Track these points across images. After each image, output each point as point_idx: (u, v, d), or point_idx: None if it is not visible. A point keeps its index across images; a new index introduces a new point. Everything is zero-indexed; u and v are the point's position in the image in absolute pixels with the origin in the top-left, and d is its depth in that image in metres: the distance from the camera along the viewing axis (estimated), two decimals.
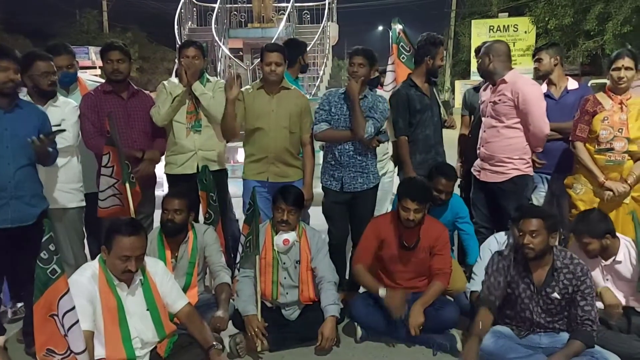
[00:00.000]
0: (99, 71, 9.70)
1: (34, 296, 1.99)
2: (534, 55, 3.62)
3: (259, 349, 2.74)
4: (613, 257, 2.70)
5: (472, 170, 3.44)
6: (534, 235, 2.43)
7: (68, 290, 2.01)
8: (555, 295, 2.47)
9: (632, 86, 3.15)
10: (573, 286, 2.46)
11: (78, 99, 3.20)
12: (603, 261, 2.73)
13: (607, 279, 2.76)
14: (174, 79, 3.34)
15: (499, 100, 3.16)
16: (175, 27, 10.31)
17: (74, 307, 2.02)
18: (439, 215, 3.20)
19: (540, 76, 3.53)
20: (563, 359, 2.37)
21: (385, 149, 3.72)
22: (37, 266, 1.96)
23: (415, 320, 2.73)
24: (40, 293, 1.97)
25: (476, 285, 2.88)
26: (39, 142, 2.53)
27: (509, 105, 3.13)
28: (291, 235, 2.89)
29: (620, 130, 2.97)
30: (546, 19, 15.53)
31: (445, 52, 3.67)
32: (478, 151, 3.33)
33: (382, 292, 2.84)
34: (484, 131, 3.27)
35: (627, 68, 2.98)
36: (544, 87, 3.46)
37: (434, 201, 3.13)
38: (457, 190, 3.69)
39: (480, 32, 16.72)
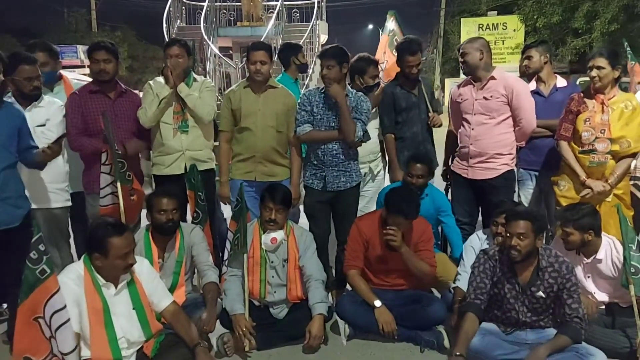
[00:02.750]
0: (87, 70, 9.59)
1: (19, 298, 1.97)
2: (523, 53, 3.63)
3: (246, 348, 2.73)
4: (594, 256, 2.72)
5: (454, 168, 3.44)
6: (521, 237, 2.43)
7: (59, 289, 1.99)
8: (541, 294, 2.49)
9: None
10: (558, 284, 2.48)
11: (62, 98, 3.18)
12: (585, 259, 2.75)
13: (588, 277, 2.78)
14: (160, 79, 3.32)
15: (490, 96, 3.18)
16: (164, 25, 10.22)
17: (64, 307, 2.00)
18: (422, 207, 3.17)
19: (530, 74, 3.55)
20: (547, 350, 2.37)
21: (377, 150, 3.72)
22: (26, 266, 1.95)
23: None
24: (26, 295, 1.96)
25: (460, 283, 2.92)
26: (49, 150, 2.55)
27: (502, 102, 3.17)
28: (279, 234, 2.89)
29: (602, 132, 2.99)
30: (535, 17, 15.63)
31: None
32: (465, 149, 3.31)
33: (377, 303, 2.85)
34: (472, 129, 3.26)
35: (598, 67, 3.00)
36: (532, 85, 3.49)
37: (420, 189, 3.18)
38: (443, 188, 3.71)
39: (469, 31, 16.78)
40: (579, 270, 2.76)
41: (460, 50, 3.31)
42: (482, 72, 3.23)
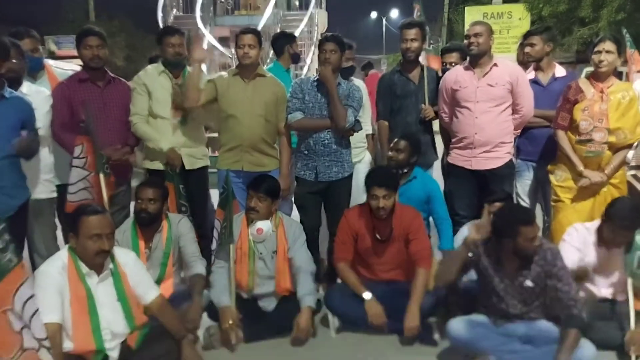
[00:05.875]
0: None
1: None
2: (525, 39, 3.52)
3: (233, 340, 2.71)
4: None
5: (452, 161, 3.34)
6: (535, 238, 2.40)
7: (27, 278, 1.95)
8: (529, 283, 2.45)
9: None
10: (545, 271, 2.44)
11: (46, 87, 3.13)
12: (606, 252, 2.67)
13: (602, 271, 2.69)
14: (150, 69, 3.25)
15: (495, 83, 3.13)
16: (159, 14, 10.17)
17: (33, 295, 1.96)
18: (410, 190, 3.16)
19: (530, 62, 3.46)
20: (567, 354, 2.29)
21: (362, 138, 3.67)
22: None
23: (411, 323, 2.68)
24: None
25: None
26: (24, 142, 2.60)
27: (506, 89, 3.12)
28: (265, 224, 2.85)
29: (600, 121, 2.94)
30: (540, 5, 15.42)
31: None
32: (468, 139, 3.21)
33: (367, 295, 2.82)
34: (476, 117, 3.16)
35: (607, 52, 2.92)
36: (531, 74, 3.43)
37: (399, 166, 3.13)
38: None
39: (474, 19, 16.53)
40: (593, 265, 2.68)
41: (470, 31, 3.16)
42: (486, 58, 3.17)
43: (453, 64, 3.65)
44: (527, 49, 3.43)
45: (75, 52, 3.08)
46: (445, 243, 3.18)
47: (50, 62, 3.40)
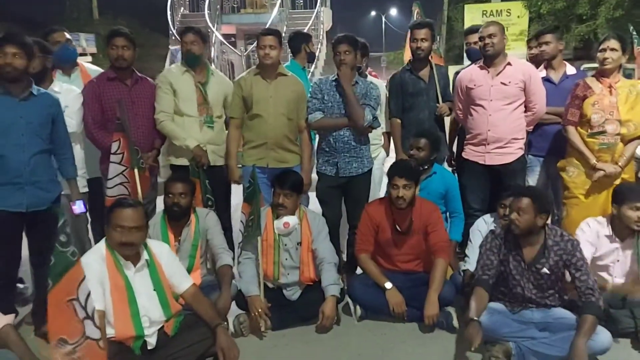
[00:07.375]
0: (89, 58, 9.61)
1: (51, 281, 2.02)
2: (537, 38, 3.61)
3: (262, 328, 2.82)
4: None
5: (467, 156, 3.43)
6: (520, 212, 2.50)
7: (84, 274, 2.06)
8: (545, 270, 2.55)
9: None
10: (564, 261, 2.54)
11: (79, 85, 3.23)
12: (620, 243, 2.76)
13: (617, 261, 2.79)
14: (173, 68, 3.35)
15: (509, 82, 3.21)
16: (168, 12, 10.23)
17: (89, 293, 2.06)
18: (430, 186, 3.28)
19: (545, 59, 3.55)
20: (584, 339, 2.37)
21: (378, 135, 3.76)
22: (57, 250, 2.00)
23: (431, 311, 2.79)
24: (58, 278, 2.00)
25: (469, 265, 2.99)
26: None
27: (520, 87, 3.21)
28: (291, 219, 2.95)
29: (611, 113, 3.04)
30: (539, 3, 15.48)
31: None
32: (481, 135, 3.30)
33: (388, 285, 2.92)
34: (490, 115, 3.25)
35: (612, 49, 3.03)
36: (543, 72, 3.51)
37: (420, 163, 3.23)
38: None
39: (473, 17, 16.50)
40: (608, 256, 2.77)
41: (484, 32, 3.23)
42: (501, 58, 3.26)
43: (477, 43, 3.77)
44: (543, 47, 3.52)
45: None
46: (453, 235, 3.31)
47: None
